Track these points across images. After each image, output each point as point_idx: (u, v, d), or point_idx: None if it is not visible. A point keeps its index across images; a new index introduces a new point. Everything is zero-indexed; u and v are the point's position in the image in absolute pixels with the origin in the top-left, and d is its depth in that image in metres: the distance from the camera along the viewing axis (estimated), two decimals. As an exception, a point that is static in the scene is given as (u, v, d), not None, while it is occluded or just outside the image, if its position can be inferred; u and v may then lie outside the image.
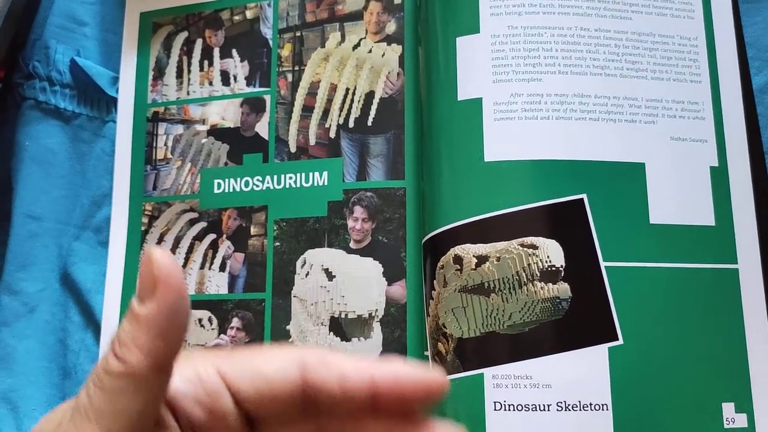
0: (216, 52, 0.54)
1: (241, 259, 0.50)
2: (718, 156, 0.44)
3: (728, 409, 0.40)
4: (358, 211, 0.48)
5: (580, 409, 0.39)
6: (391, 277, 0.47)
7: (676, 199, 0.43)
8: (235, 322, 0.49)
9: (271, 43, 0.53)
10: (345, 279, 0.47)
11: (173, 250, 0.51)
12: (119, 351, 0.21)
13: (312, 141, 0.50)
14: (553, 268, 0.41)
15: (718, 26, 0.46)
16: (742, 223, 0.43)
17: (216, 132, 0.53)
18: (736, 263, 0.43)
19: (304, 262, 0.48)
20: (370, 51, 0.50)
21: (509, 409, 0.40)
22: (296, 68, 0.52)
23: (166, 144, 0.53)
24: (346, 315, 0.47)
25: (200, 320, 0.49)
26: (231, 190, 0.51)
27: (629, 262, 0.42)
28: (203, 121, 0.53)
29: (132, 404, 0.20)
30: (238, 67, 0.53)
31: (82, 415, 0.20)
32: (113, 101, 0.55)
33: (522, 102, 0.44)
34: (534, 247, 0.41)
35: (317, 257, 0.48)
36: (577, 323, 0.41)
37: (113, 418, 0.20)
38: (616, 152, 0.43)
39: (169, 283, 0.21)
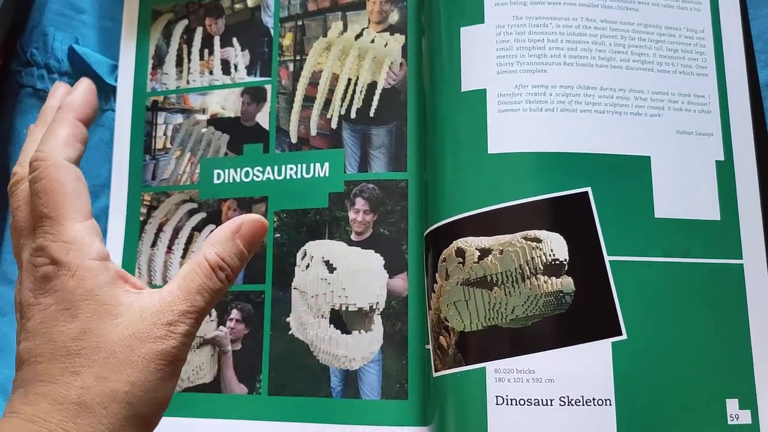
0: (216, 40, 0.53)
1: (241, 250, 0.49)
2: (723, 150, 0.44)
3: (732, 405, 0.40)
4: (360, 203, 0.47)
5: (583, 405, 0.39)
6: (392, 269, 0.46)
7: (682, 194, 0.43)
8: (235, 314, 0.48)
9: (272, 31, 0.52)
10: (346, 271, 0.47)
11: (172, 240, 0.51)
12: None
13: (313, 131, 0.50)
14: (557, 262, 0.41)
15: (725, 19, 0.46)
16: (748, 218, 0.43)
17: (216, 122, 0.52)
18: (741, 258, 0.42)
19: (305, 254, 0.48)
20: (373, 41, 0.50)
21: (511, 404, 0.39)
22: (298, 58, 0.51)
23: (165, 133, 0.53)
24: (346, 307, 0.46)
25: (199, 312, 0.49)
26: (231, 181, 0.50)
27: (633, 257, 0.41)
28: (203, 111, 0.52)
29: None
30: (239, 56, 0.52)
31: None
32: (112, 90, 0.54)
33: (527, 93, 0.43)
34: (537, 240, 0.41)
35: (318, 249, 0.48)
36: (580, 318, 0.40)
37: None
38: (622, 145, 0.43)
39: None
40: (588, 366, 0.40)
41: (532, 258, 0.41)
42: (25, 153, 0.33)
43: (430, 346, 0.43)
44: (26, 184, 0.31)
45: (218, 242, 0.32)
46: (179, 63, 0.54)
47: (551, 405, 0.39)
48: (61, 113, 0.33)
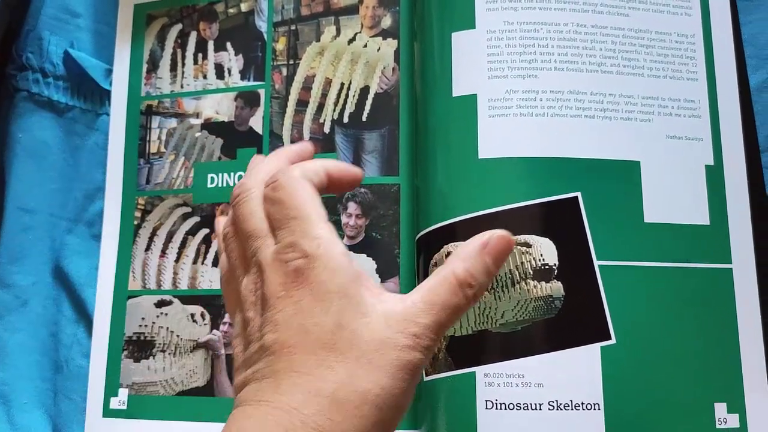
0: (210, 45, 0.54)
1: (234, 254, 0.50)
2: (713, 154, 0.44)
3: (720, 409, 0.40)
4: (352, 207, 0.48)
5: (572, 409, 0.39)
6: (384, 273, 0.47)
7: (671, 198, 0.43)
8: (228, 317, 0.49)
9: (265, 36, 0.52)
10: (338, 275, 0.47)
11: (166, 244, 0.51)
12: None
13: (306, 136, 0.50)
14: (547, 267, 0.41)
15: (715, 24, 0.46)
16: (737, 222, 0.43)
17: (210, 126, 0.52)
18: (731, 263, 0.42)
19: (298, 258, 0.48)
20: (366, 45, 0.50)
21: (501, 408, 0.40)
22: (291, 62, 0.51)
23: (159, 137, 0.53)
24: (338, 311, 0.46)
25: (193, 315, 0.49)
26: (225, 185, 0.51)
27: (623, 261, 0.41)
28: (197, 115, 0.53)
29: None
30: (233, 61, 0.53)
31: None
32: (107, 94, 0.54)
33: (517, 98, 0.43)
34: (527, 245, 0.41)
35: (310, 253, 0.48)
36: (569, 322, 0.40)
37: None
38: (612, 150, 0.43)
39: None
40: (577, 370, 0.40)
41: (522, 263, 0.41)
42: (254, 171, 0.34)
43: (421, 350, 0.44)
44: (257, 192, 0.33)
45: (467, 257, 0.31)
46: (173, 67, 0.54)
47: (540, 409, 0.39)
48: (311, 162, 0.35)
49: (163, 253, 0.51)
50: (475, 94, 0.44)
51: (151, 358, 0.49)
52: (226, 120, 0.52)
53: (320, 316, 0.28)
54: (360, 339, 0.28)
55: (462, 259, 0.31)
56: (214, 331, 0.49)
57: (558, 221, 0.42)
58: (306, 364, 0.28)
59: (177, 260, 0.51)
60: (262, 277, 0.30)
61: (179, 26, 0.54)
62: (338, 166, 0.34)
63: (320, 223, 0.30)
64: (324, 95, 0.50)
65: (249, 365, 0.29)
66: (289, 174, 0.32)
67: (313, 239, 0.30)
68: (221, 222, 0.36)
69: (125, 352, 0.50)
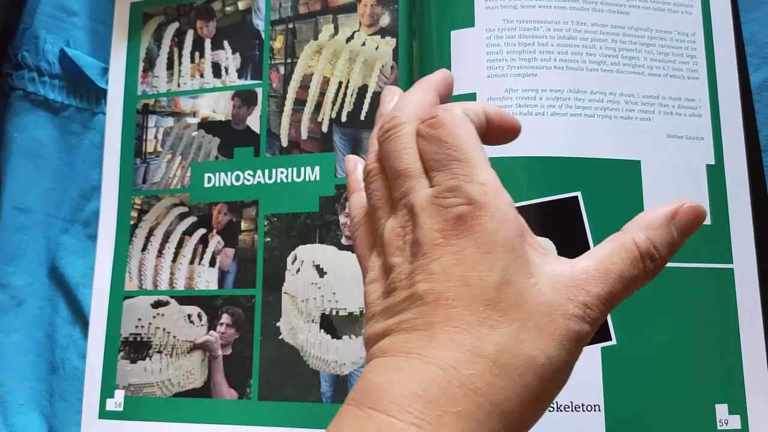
0: (207, 43, 0.53)
1: (231, 254, 0.49)
2: (714, 154, 0.43)
3: (722, 410, 0.40)
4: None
5: (572, 410, 0.39)
6: (382, 273, 0.46)
7: (672, 198, 0.42)
8: (225, 318, 0.48)
9: (263, 34, 0.52)
10: (336, 275, 0.47)
11: (162, 244, 0.50)
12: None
13: (304, 135, 0.50)
14: (547, 267, 0.40)
15: (716, 22, 0.45)
16: (738, 222, 0.43)
17: (207, 125, 0.52)
18: (732, 263, 0.42)
19: (295, 258, 0.48)
20: (364, 44, 0.50)
21: (500, 410, 0.39)
22: (288, 61, 0.51)
23: (156, 137, 0.53)
24: (336, 312, 0.46)
25: (189, 316, 0.49)
26: (221, 185, 0.50)
27: (623, 261, 0.41)
28: (194, 114, 0.52)
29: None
30: (230, 59, 0.52)
31: None
32: (103, 93, 0.54)
33: (517, 97, 0.43)
34: (527, 245, 0.41)
35: (308, 253, 0.47)
36: (570, 323, 0.40)
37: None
38: (612, 149, 0.43)
39: None
40: (577, 371, 0.39)
41: (522, 263, 0.40)
42: (402, 104, 0.31)
43: (420, 351, 0.43)
44: (410, 128, 0.29)
45: (650, 226, 0.28)
46: (170, 66, 0.53)
47: (540, 411, 0.39)
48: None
49: (160, 253, 0.51)
50: (475, 93, 0.43)
51: (147, 359, 0.49)
52: (223, 119, 0.52)
53: (484, 270, 0.26)
54: (526, 300, 0.26)
55: (644, 227, 0.28)
56: (211, 332, 0.48)
57: (558, 221, 0.41)
58: (466, 320, 0.25)
59: (174, 260, 0.50)
60: (414, 221, 0.28)
61: (176, 25, 0.54)
62: (498, 111, 0.30)
63: (486, 167, 0.28)
64: (322, 94, 0.50)
65: (392, 314, 0.27)
66: (450, 111, 0.29)
67: (480, 185, 0.27)
68: (351, 159, 0.34)
69: (121, 353, 0.49)
